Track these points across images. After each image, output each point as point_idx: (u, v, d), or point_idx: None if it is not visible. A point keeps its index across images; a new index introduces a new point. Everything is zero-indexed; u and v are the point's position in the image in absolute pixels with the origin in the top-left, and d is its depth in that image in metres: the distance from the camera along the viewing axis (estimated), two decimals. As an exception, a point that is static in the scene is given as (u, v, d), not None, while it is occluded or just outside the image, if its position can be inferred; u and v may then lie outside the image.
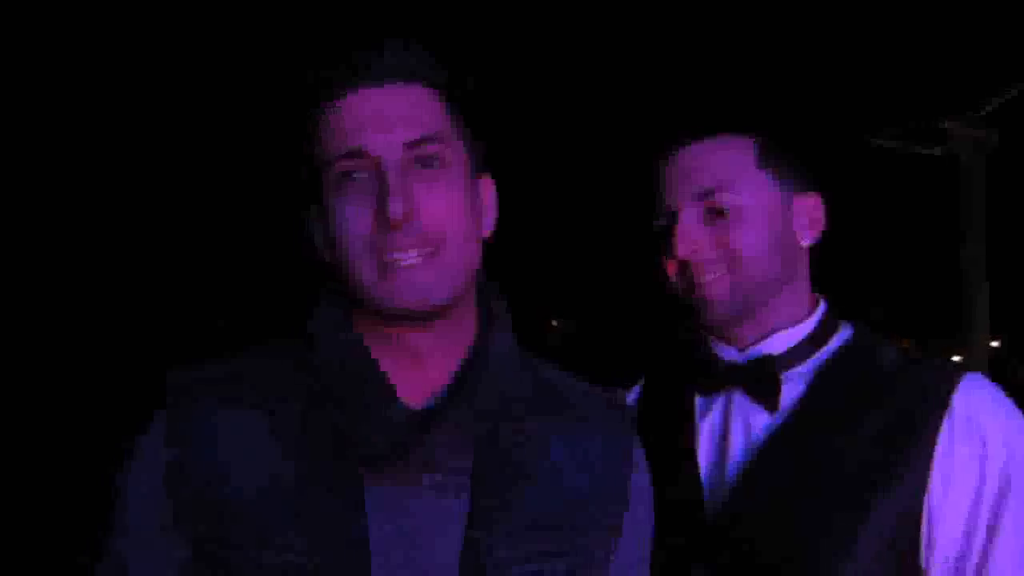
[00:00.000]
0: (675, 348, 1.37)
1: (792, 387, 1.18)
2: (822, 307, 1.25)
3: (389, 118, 0.89)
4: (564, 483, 0.95)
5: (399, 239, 0.87)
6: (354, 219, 0.89)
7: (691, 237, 1.17)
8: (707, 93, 1.27)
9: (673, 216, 1.19)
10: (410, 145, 0.89)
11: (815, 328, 1.21)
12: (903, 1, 3.21)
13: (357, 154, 0.89)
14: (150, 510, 0.91)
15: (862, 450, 1.11)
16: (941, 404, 1.11)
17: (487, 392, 0.93)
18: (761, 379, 1.19)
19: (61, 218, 5.28)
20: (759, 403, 1.19)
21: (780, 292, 1.20)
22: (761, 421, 1.18)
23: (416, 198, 0.88)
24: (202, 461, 0.90)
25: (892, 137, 4.87)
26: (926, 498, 1.08)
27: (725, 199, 1.16)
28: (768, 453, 1.16)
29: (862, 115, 4.56)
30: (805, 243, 1.23)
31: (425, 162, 0.89)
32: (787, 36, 3.54)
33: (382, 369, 0.92)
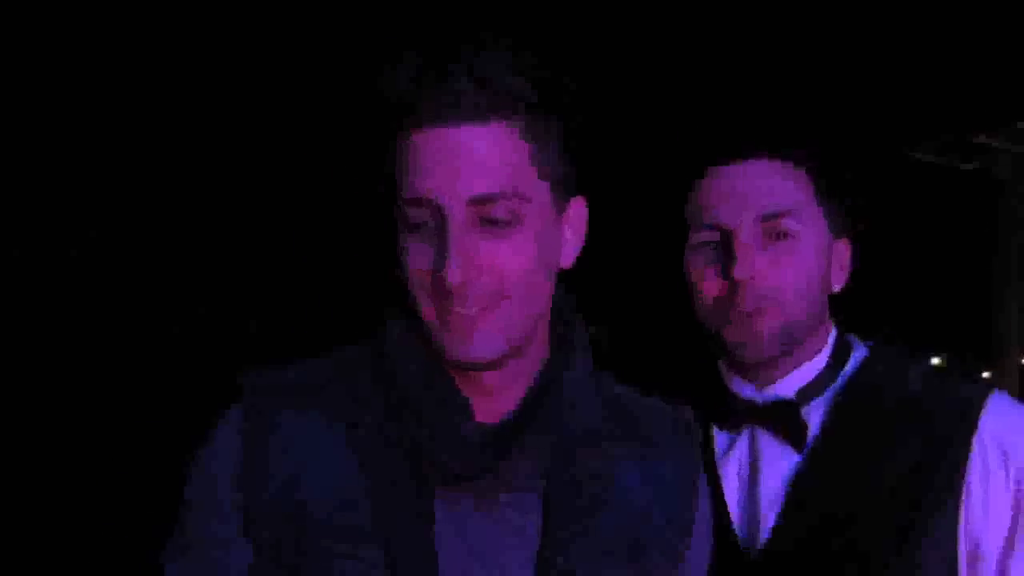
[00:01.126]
0: (691, 379, 1.31)
1: (814, 418, 1.15)
2: (833, 333, 1.21)
3: (456, 166, 0.82)
4: (635, 508, 0.94)
5: (456, 299, 0.84)
6: (416, 260, 0.86)
7: (752, 258, 1.10)
8: (775, 110, 1.23)
9: (728, 234, 1.12)
10: (477, 202, 0.82)
11: (830, 358, 1.18)
12: (937, 18, 3.22)
13: (419, 203, 0.84)
14: (220, 510, 0.91)
15: (893, 480, 1.08)
16: (969, 428, 1.06)
17: (562, 415, 0.92)
18: (785, 419, 1.15)
19: (108, 220, 5.43)
20: (785, 442, 1.15)
21: (814, 333, 1.17)
22: (789, 459, 1.14)
23: (479, 257, 0.83)
24: (277, 464, 0.90)
25: (929, 151, 4.86)
26: (962, 527, 1.05)
27: (791, 225, 1.12)
28: (800, 491, 1.12)
29: (899, 130, 4.55)
30: (837, 288, 1.20)
31: (493, 222, 0.83)
32: (829, 58, 3.55)
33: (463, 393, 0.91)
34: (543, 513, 0.89)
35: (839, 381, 1.17)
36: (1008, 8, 2.57)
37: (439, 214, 0.83)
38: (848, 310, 1.27)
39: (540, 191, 0.86)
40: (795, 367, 1.16)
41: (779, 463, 1.14)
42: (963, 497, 1.05)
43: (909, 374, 1.15)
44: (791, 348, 1.14)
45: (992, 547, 1.05)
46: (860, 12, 3.29)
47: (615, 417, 0.98)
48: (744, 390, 1.19)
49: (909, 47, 3.55)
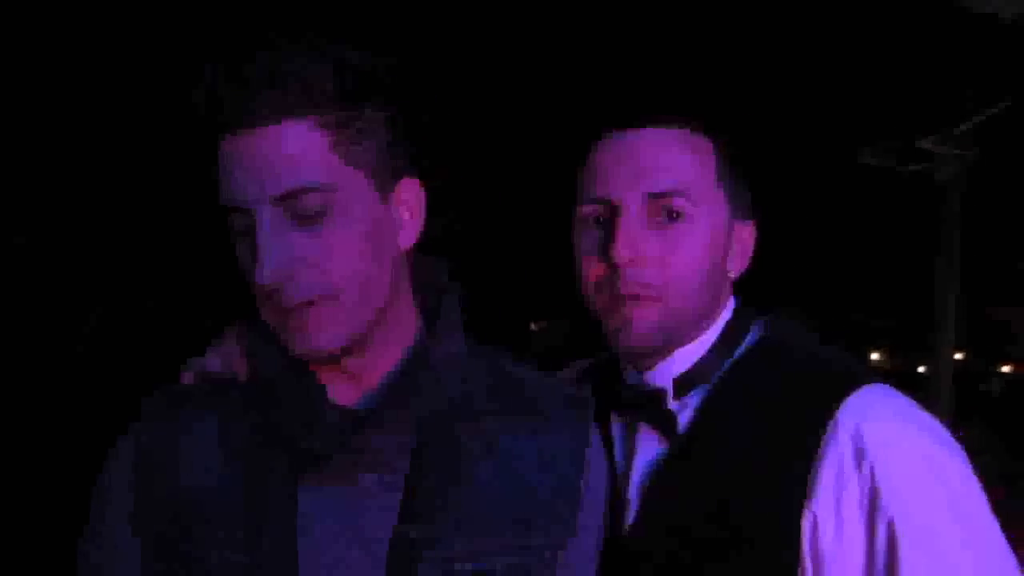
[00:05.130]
0: (602, 365, 1.25)
1: (694, 404, 1.08)
2: (726, 313, 1.12)
3: (258, 167, 0.82)
4: (517, 481, 0.93)
5: (276, 298, 0.85)
6: (244, 264, 0.87)
7: (635, 239, 1.01)
8: (677, 72, 1.17)
9: (614, 210, 1.03)
10: (282, 199, 0.83)
11: (718, 343, 1.09)
12: (881, 27, 3.35)
13: (234, 208, 0.84)
14: (121, 516, 0.95)
15: (749, 476, 0.98)
16: (821, 425, 0.94)
17: (429, 393, 0.92)
18: (655, 408, 1.09)
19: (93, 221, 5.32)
20: (656, 432, 1.09)
21: (698, 327, 1.08)
22: (659, 449, 1.08)
23: (295, 254, 0.84)
24: (162, 463, 0.94)
25: (874, 155, 5.03)
26: (806, 538, 0.94)
27: (685, 205, 1.02)
28: (659, 483, 1.06)
29: (845, 134, 4.71)
30: (733, 275, 1.12)
31: (306, 217, 0.83)
32: (767, 49, 3.66)
33: (317, 377, 0.93)
34: (404, 490, 0.90)
35: (726, 367, 1.08)
36: (947, 17, 2.69)
37: (250, 216, 0.84)
38: (794, 306, 1.29)
39: (354, 180, 0.86)
40: (672, 354, 1.09)
41: (650, 452, 1.09)
42: (811, 498, 0.93)
43: (790, 358, 1.05)
44: (672, 340, 1.06)
45: (843, 556, 0.92)
46: (805, 19, 3.40)
47: (502, 392, 0.98)
48: (630, 377, 1.14)
49: (853, 54, 3.68)
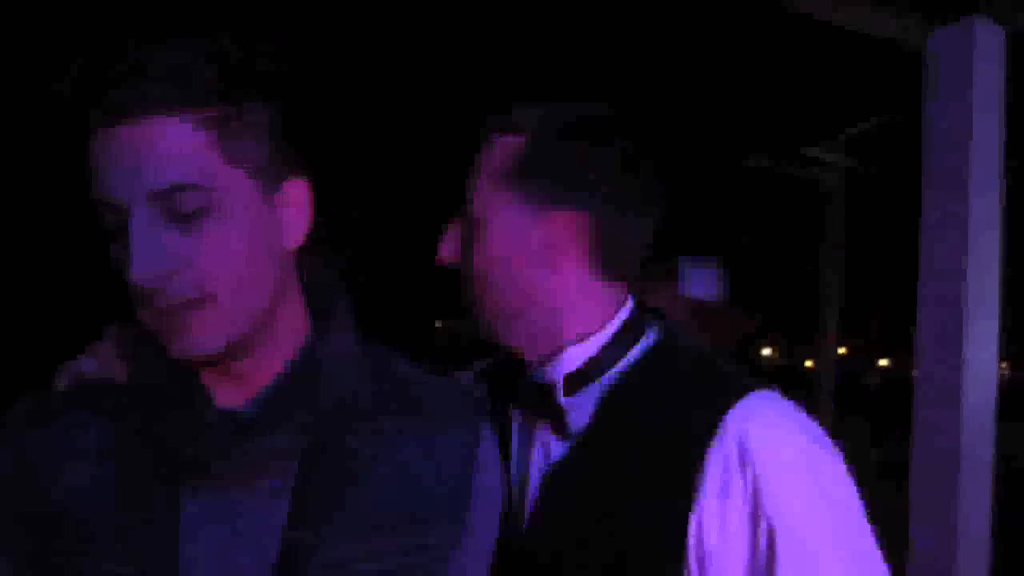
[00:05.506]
0: (503, 365, 1.24)
1: (588, 404, 1.08)
2: (623, 313, 1.13)
3: (130, 163, 0.78)
4: (409, 481, 0.93)
5: (150, 300, 0.82)
6: (118, 263, 0.84)
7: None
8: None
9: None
10: (156, 197, 0.80)
11: (611, 338, 1.10)
12: (766, 39, 3.53)
13: (104, 204, 0.81)
14: None
15: (637, 482, 0.98)
16: (709, 427, 0.96)
17: (318, 394, 0.91)
18: (544, 405, 1.09)
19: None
20: (550, 428, 1.09)
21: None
22: (557, 447, 1.09)
23: (169, 254, 0.80)
24: (33, 472, 0.89)
25: (762, 160, 5.28)
26: (692, 539, 0.94)
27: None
28: (556, 481, 1.06)
29: (734, 139, 4.92)
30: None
31: (181, 216, 0.80)
32: (659, 56, 3.79)
33: (201, 380, 0.90)
34: (292, 495, 0.88)
35: (621, 367, 1.09)
36: (830, 29, 2.87)
37: (123, 215, 0.80)
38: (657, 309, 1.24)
39: (234, 179, 0.83)
40: (564, 351, 1.09)
41: (546, 452, 1.10)
42: (697, 499, 0.95)
43: (685, 361, 1.07)
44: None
45: (727, 556, 0.94)
46: (689, 24, 3.54)
47: (391, 393, 0.97)
48: (531, 375, 1.14)
49: (742, 63, 3.86)
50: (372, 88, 4.08)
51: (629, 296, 1.15)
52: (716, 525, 0.94)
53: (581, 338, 1.10)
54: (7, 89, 4.06)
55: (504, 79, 3.70)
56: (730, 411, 0.97)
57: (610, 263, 1.11)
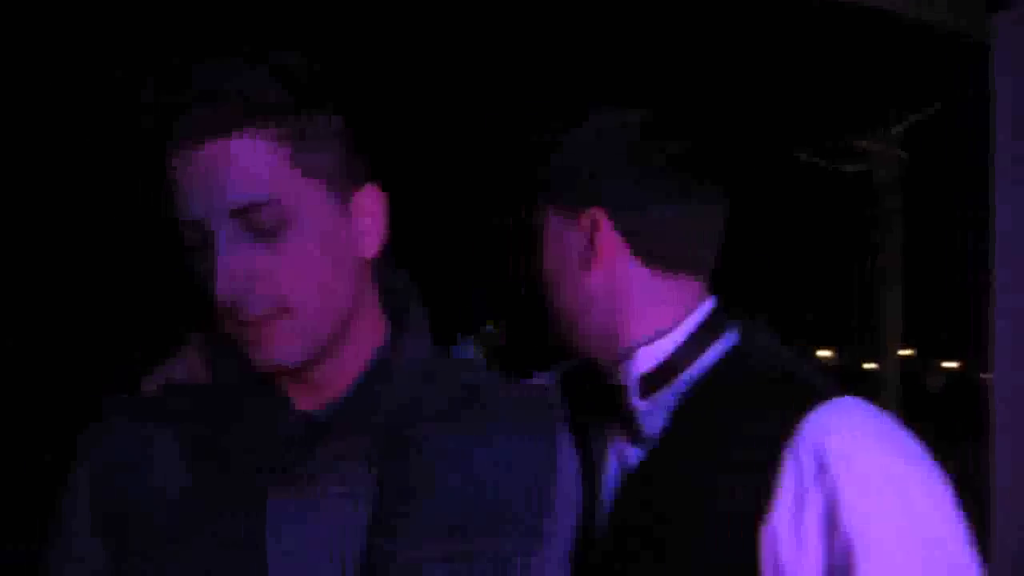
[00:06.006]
0: (581, 369, 1.23)
1: (663, 408, 1.06)
2: (698, 313, 1.11)
3: (209, 183, 0.82)
4: (482, 488, 0.94)
5: (232, 313, 0.84)
6: (201, 279, 0.86)
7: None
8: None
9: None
10: (237, 215, 0.82)
11: (686, 339, 1.08)
12: (820, 28, 3.40)
13: (186, 224, 0.83)
14: (80, 522, 0.94)
15: (709, 486, 0.97)
16: (783, 435, 0.94)
17: (393, 399, 0.93)
18: (621, 406, 1.08)
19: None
20: (625, 433, 1.07)
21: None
22: (632, 453, 1.07)
23: (250, 269, 0.83)
24: (121, 474, 0.93)
25: (813, 154, 5.11)
26: (766, 552, 0.92)
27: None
28: (630, 491, 1.05)
29: (783, 132, 4.78)
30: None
31: (261, 232, 0.83)
32: (718, 62, 3.70)
33: (280, 386, 0.91)
34: (372, 500, 0.90)
35: (695, 370, 1.07)
36: (883, 19, 2.74)
37: (205, 232, 0.83)
38: (741, 309, 1.20)
39: (308, 192, 0.85)
40: (636, 353, 1.07)
41: (621, 458, 1.09)
42: (770, 512, 0.91)
43: (764, 365, 1.05)
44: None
45: (802, 572, 0.91)
46: (746, 18, 3.44)
47: (467, 399, 0.98)
48: (607, 376, 1.13)
49: (795, 53, 3.73)
50: (418, 93, 4.07)
51: (710, 297, 1.14)
52: (791, 538, 0.92)
53: (651, 339, 1.09)
54: (90, 115, 4.17)
55: (553, 83, 3.67)
56: (807, 417, 0.92)
57: (660, 260, 1.10)
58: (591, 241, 1.07)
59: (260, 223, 0.82)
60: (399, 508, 0.90)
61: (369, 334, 0.94)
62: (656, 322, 1.08)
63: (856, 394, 0.98)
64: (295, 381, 0.91)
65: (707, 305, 1.11)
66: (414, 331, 0.97)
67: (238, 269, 0.82)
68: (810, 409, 0.93)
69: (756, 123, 4.48)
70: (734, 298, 1.20)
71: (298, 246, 0.84)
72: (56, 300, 5.75)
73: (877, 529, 0.88)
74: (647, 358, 1.07)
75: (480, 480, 0.94)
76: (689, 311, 1.09)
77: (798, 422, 0.92)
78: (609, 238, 1.07)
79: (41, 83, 4.23)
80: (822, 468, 0.90)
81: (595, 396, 1.13)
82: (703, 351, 1.08)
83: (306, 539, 0.88)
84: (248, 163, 0.82)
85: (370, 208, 0.91)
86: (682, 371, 1.06)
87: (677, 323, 1.08)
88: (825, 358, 11.23)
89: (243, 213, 0.82)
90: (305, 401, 0.92)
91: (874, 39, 3.46)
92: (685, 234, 1.10)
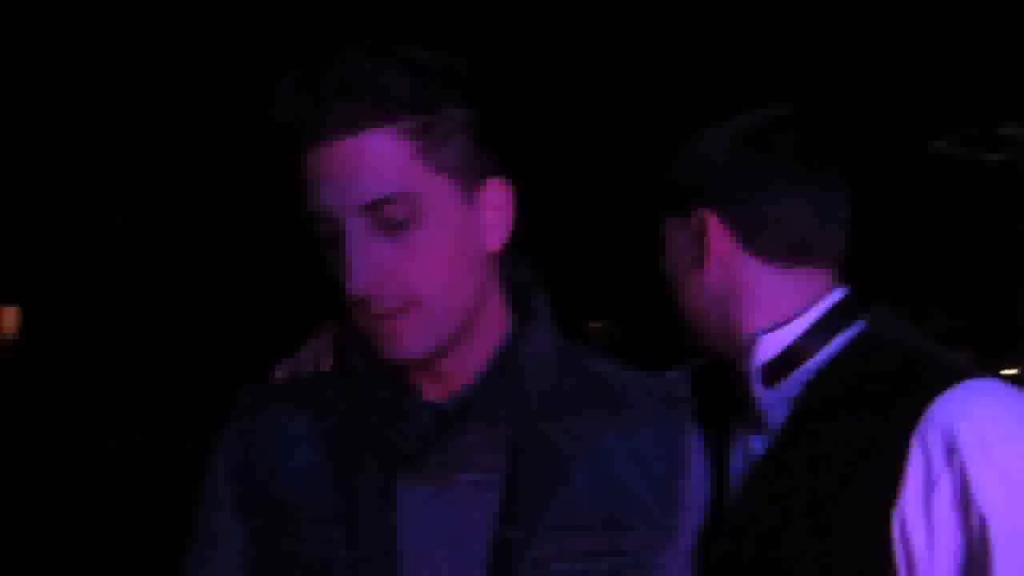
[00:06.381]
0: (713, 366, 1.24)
1: (787, 397, 1.06)
2: (825, 302, 1.09)
3: (342, 178, 0.83)
4: (613, 482, 0.93)
5: (363, 307, 0.86)
6: (333, 272, 0.88)
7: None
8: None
9: None
10: (368, 210, 0.84)
11: (810, 327, 1.07)
12: (957, 7, 3.18)
13: (318, 218, 0.86)
14: (219, 503, 0.99)
15: (837, 474, 0.96)
16: (911, 418, 0.91)
17: (521, 391, 0.93)
18: (745, 396, 1.09)
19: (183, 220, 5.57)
20: (749, 424, 1.09)
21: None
22: (757, 443, 1.08)
23: (381, 264, 0.85)
24: (262, 458, 0.96)
25: (951, 144, 4.80)
26: (897, 537, 0.91)
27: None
28: (756, 483, 1.05)
29: (919, 122, 4.50)
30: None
31: (391, 226, 0.85)
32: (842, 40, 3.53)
33: (408, 376, 0.94)
34: (503, 491, 0.90)
35: (822, 356, 1.07)
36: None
37: (337, 227, 0.85)
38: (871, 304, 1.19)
39: (438, 186, 0.86)
40: (762, 341, 1.08)
41: (744, 448, 1.10)
42: (900, 497, 0.91)
43: (883, 356, 1.03)
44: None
45: (936, 556, 0.90)
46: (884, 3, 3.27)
47: (592, 391, 0.97)
48: (731, 367, 1.14)
49: (929, 38, 3.52)
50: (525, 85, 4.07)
51: (836, 287, 1.13)
52: (922, 522, 0.91)
53: (774, 327, 1.09)
54: (224, 110, 4.40)
55: (687, 83, 3.61)
56: (936, 400, 0.92)
57: (773, 252, 1.10)
58: (701, 241, 1.09)
59: (389, 218, 0.83)
60: (530, 501, 0.90)
61: (494, 326, 0.95)
62: (775, 313, 1.08)
63: None
64: (422, 371, 0.93)
65: (835, 295, 1.09)
66: (539, 323, 0.97)
67: (368, 264, 0.84)
68: (939, 391, 0.92)
69: (889, 113, 4.25)
70: (865, 298, 1.18)
71: (426, 241, 0.85)
72: (201, 294, 6.07)
73: (1014, 511, 0.86)
74: (769, 346, 1.06)
75: (612, 474, 0.93)
76: (812, 301, 1.08)
77: (925, 405, 0.91)
78: (719, 236, 1.09)
79: (183, 83, 4.47)
80: (951, 452, 0.89)
81: (722, 391, 1.13)
82: (828, 340, 1.06)
83: (435, 529, 0.89)
84: (379, 159, 0.83)
85: (497, 201, 0.92)
86: (806, 359, 1.05)
87: (799, 313, 1.07)
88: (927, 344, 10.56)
89: (373, 208, 0.83)
90: (432, 391, 0.94)
91: (1017, 17, 3.21)
92: (797, 225, 1.09)
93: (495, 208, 0.92)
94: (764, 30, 3.48)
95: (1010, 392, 0.94)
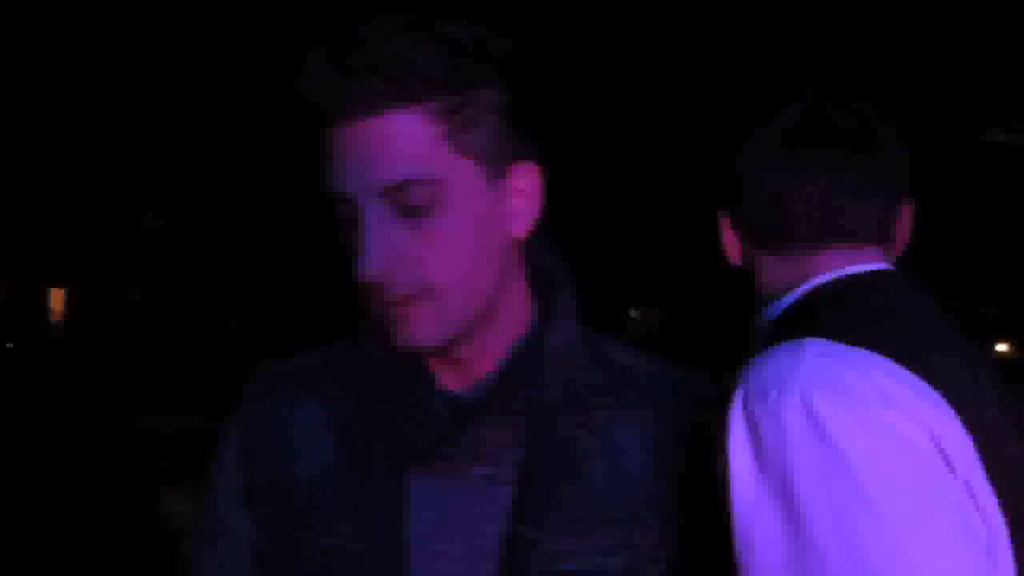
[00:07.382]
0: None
1: None
2: (805, 287, 1.09)
3: (365, 159, 0.80)
4: (625, 476, 0.91)
5: (376, 291, 0.83)
6: (351, 255, 0.85)
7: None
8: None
9: None
10: (389, 192, 0.81)
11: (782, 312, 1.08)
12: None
13: (339, 198, 0.83)
14: (227, 490, 0.97)
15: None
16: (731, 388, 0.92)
17: (541, 383, 0.91)
18: None
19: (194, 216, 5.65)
20: None
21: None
22: None
23: (399, 248, 0.82)
24: (270, 445, 0.94)
25: (1004, 132, 4.66)
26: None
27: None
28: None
29: (972, 113, 4.39)
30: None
31: (413, 210, 0.81)
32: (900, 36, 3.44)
33: (425, 365, 0.91)
34: (517, 485, 0.88)
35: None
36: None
37: (354, 208, 0.82)
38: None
39: (463, 170, 0.83)
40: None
41: None
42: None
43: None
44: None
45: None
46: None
47: (614, 384, 0.95)
48: None
49: (984, 27, 3.41)
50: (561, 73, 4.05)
51: (817, 272, 1.09)
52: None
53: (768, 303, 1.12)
54: (242, 87, 4.40)
55: (743, 65, 3.55)
56: (743, 375, 0.90)
57: (762, 238, 1.12)
58: (720, 226, 1.13)
59: (411, 202, 0.81)
60: (544, 496, 0.88)
61: (517, 314, 0.92)
62: (771, 291, 1.10)
63: None
64: (440, 359, 0.90)
65: (817, 279, 1.05)
66: (563, 313, 0.94)
67: (384, 249, 0.81)
68: (754, 363, 0.90)
69: (942, 102, 4.14)
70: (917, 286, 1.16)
71: (446, 228, 0.82)
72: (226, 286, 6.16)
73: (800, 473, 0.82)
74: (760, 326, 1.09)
75: (628, 470, 0.91)
76: (793, 285, 1.07)
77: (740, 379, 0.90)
78: (728, 234, 1.13)
79: (228, 90, 4.51)
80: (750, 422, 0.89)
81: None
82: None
83: (446, 521, 0.88)
84: (405, 139, 0.80)
85: (524, 187, 0.88)
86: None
87: (784, 293, 1.08)
88: (1001, 353, 10.35)
89: (395, 191, 0.80)
90: (450, 379, 0.91)
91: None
92: (781, 210, 1.09)
93: (522, 194, 0.88)
94: (819, 16, 3.40)
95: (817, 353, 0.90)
